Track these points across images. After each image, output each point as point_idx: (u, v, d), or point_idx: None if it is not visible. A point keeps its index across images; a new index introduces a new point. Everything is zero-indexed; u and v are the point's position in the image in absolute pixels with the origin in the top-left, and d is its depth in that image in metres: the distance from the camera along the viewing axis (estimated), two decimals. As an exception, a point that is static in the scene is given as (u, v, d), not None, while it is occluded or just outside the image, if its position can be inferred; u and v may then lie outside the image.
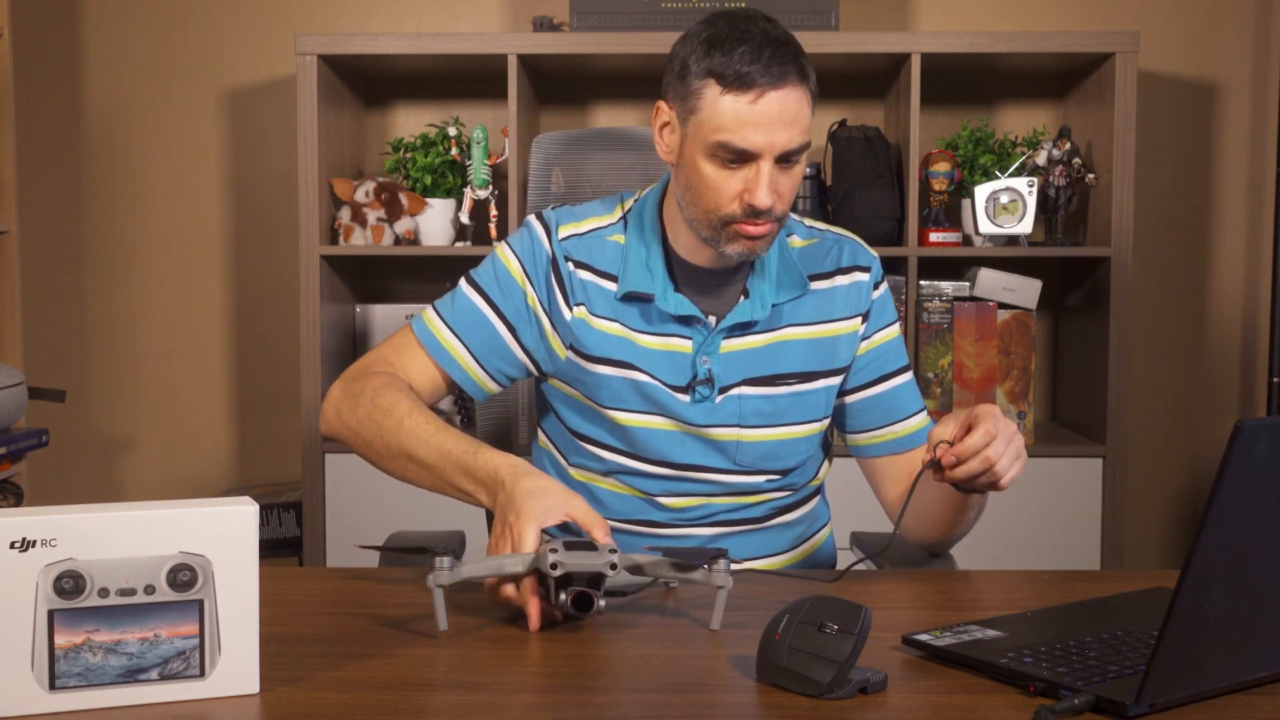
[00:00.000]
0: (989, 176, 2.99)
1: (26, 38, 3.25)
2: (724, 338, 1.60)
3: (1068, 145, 2.98)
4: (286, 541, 3.09)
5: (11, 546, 1.06)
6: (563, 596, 1.29)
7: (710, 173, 1.50)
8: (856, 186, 2.95)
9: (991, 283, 2.96)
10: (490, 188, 3.00)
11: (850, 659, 1.12)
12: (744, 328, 1.61)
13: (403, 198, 3.01)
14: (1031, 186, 2.90)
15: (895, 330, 1.71)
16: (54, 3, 3.28)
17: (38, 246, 3.30)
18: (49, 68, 3.30)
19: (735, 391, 1.62)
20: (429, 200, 3.03)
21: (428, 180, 3.05)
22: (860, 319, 1.66)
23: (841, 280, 1.65)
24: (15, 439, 2.77)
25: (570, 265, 1.62)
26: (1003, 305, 2.95)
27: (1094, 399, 2.98)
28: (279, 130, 3.29)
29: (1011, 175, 2.93)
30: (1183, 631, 1.04)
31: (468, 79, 3.22)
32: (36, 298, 3.31)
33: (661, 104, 1.55)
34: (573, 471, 1.69)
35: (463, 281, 1.67)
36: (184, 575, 1.10)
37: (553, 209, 1.67)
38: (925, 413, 1.73)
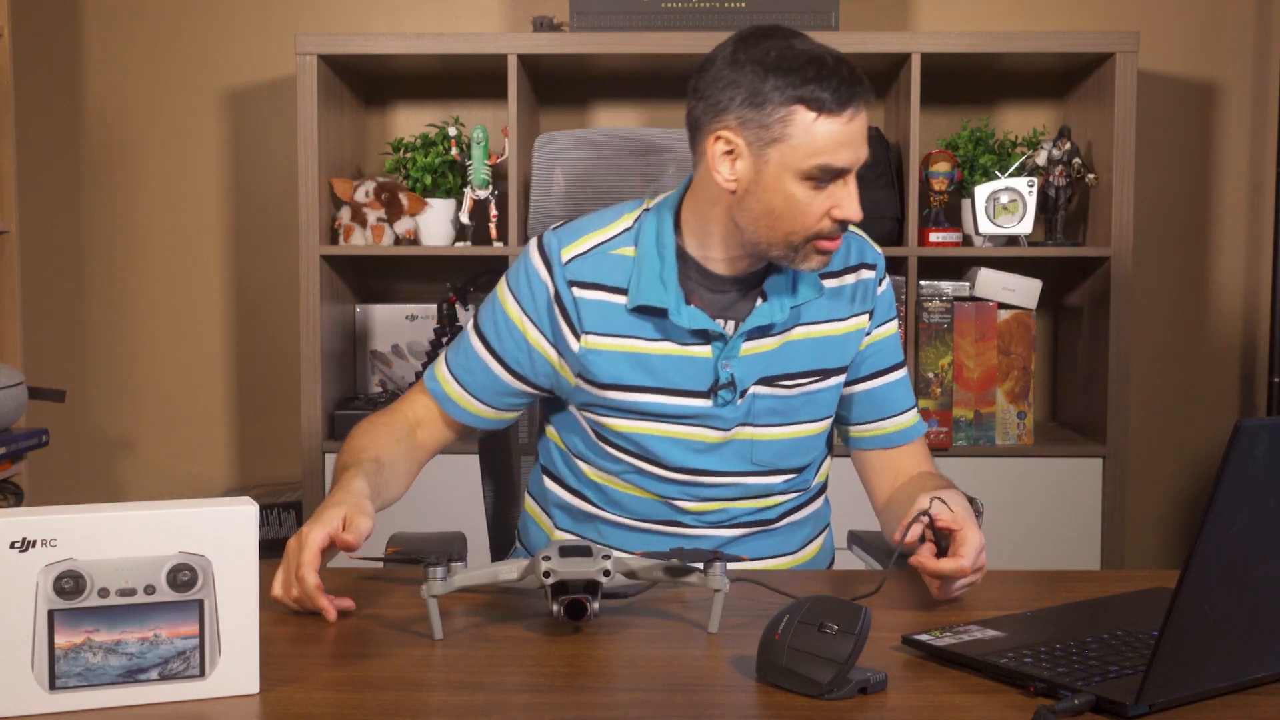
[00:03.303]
0: (989, 176, 2.99)
1: (26, 38, 3.25)
2: (743, 341, 1.61)
3: (1068, 145, 2.98)
4: (286, 541, 3.09)
5: (11, 546, 1.06)
6: (556, 607, 1.29)
7: (801, 195, 1.51)
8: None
9: (991, 283, 2.96)
10: (490, 188, 3.00)
11: (850, 659, 1.12)
12: (761, 331, 1.61)
13: (403, 198, 3.01)
14: (1031, 186, 2.90)
15: (894, 327, 1.72)
16: (54, 3, 3.28)
17: (38, 246, 3.30)
18: (49, 68, 3.30)
19: (752, 391, 1.63)
20: (429, 200, 3.03)
21: (428, 180, 3.05)
22: (866, 315, 1.68)
23: (850, 279, 1.67)
24: (15, 439, 2.77)
25: (576, 290, 1.62)
26: (1003, 305, 2.95)
27: (1094, 399, 2.98)
28: (279, 130, 3.29)
29: (1011, 175, 2.93)
30: (1183, 631, 1.04)
31: (468, 79, 3.22)
32: (36, 298, 3.31)
33: (725, 134, 1.52)
34: (587, 470, 1.70)
35: (469, 326, 1.70)
36: (184, 575, 1.10)
37: (553, 230, 1.66)
38: (916, 410, 1.75)
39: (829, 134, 1.48)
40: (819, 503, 1.78)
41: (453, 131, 3.04)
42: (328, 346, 2.97)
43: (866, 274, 1.68)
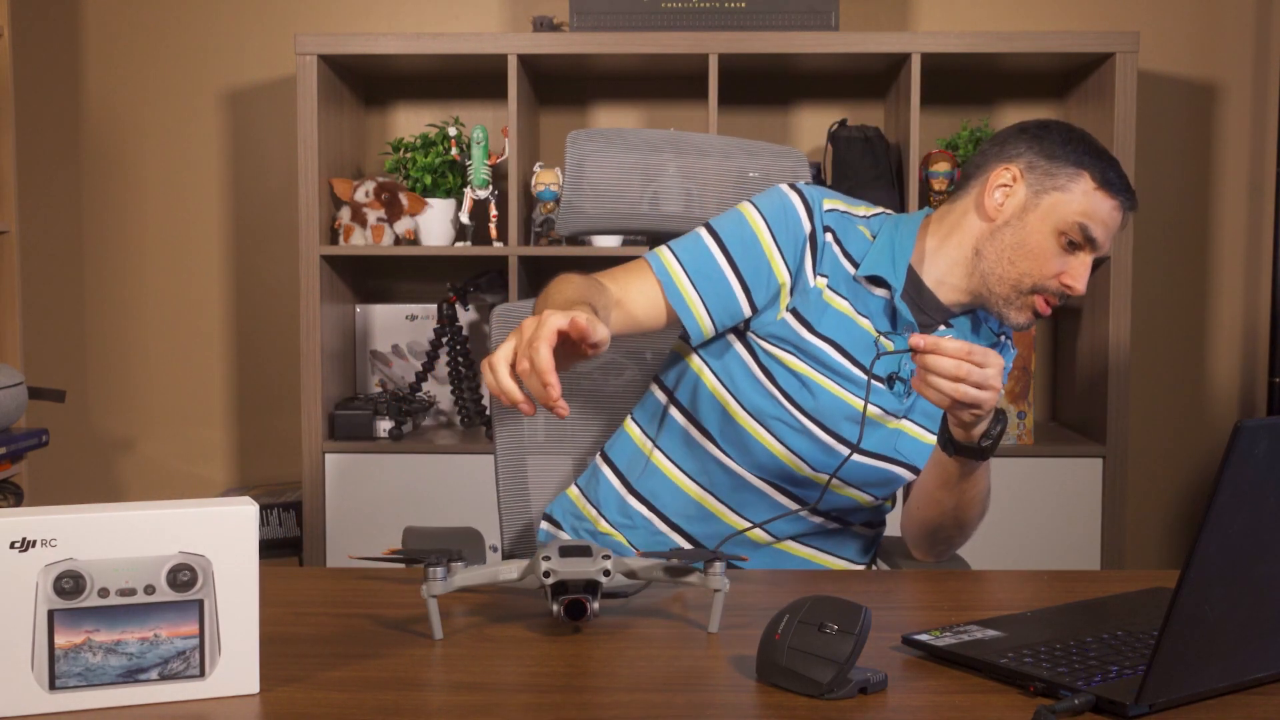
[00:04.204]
0: (989, 176, 2.99)
1: (26, 38, 3.25)
2: None
3: (1068, 145, 2.97)
4: (286, 541, 3.09)
5: (11, 546, 1.06)
6: (556, 607, 1.29)
7: (1050, 247, 1.66)
8: (856, 186, 2.95)
9: (991, 283, 2.96)
10: (490, 188, 3.01)
11: (850, 659, 1.12)
12: None
13: (403, 198, 3.01)
14: (1031, 186, 2.90)
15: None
16: (54, 3, 3.28)
17: (38, 246, 3.30)
18: (49, 68, 3.30)
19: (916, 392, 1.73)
20: (429, 200, 3.03)
21: (428, 180, 3.05)
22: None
23: (1002, 339, 1.83)
24: (15, 439, 2.77)
25: (828, 237, 1.71)
26: (1003, 305, 2.95)
27: (1094, 399, 2.98)
28: (279, 130, 3.29)
29: (1011, 175, 2.93)
30: (1183, 631, 1.04)
31: (468, 79, 3.22)
32: (36, 298, 3.31)
33: (1012, 167, 1.69)
34: (731, 406, 1.71)
35: (703, 230, 1.71)
36: (184, 575, 1.10)
37: (805, 184, 1.75)
38: None
39: (1101, 206, 1.66)
40: (879, 529, 1.85)
41: (453, 131, 3.04)
42: (328, 346, 2.97)
43: (1010, 345, 1.85)
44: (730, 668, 1.21)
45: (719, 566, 1.32)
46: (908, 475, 1.75)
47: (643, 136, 1.96)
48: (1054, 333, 3.27)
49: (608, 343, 1.39)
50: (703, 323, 1.69)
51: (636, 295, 1.68)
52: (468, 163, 3.02)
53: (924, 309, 1.72)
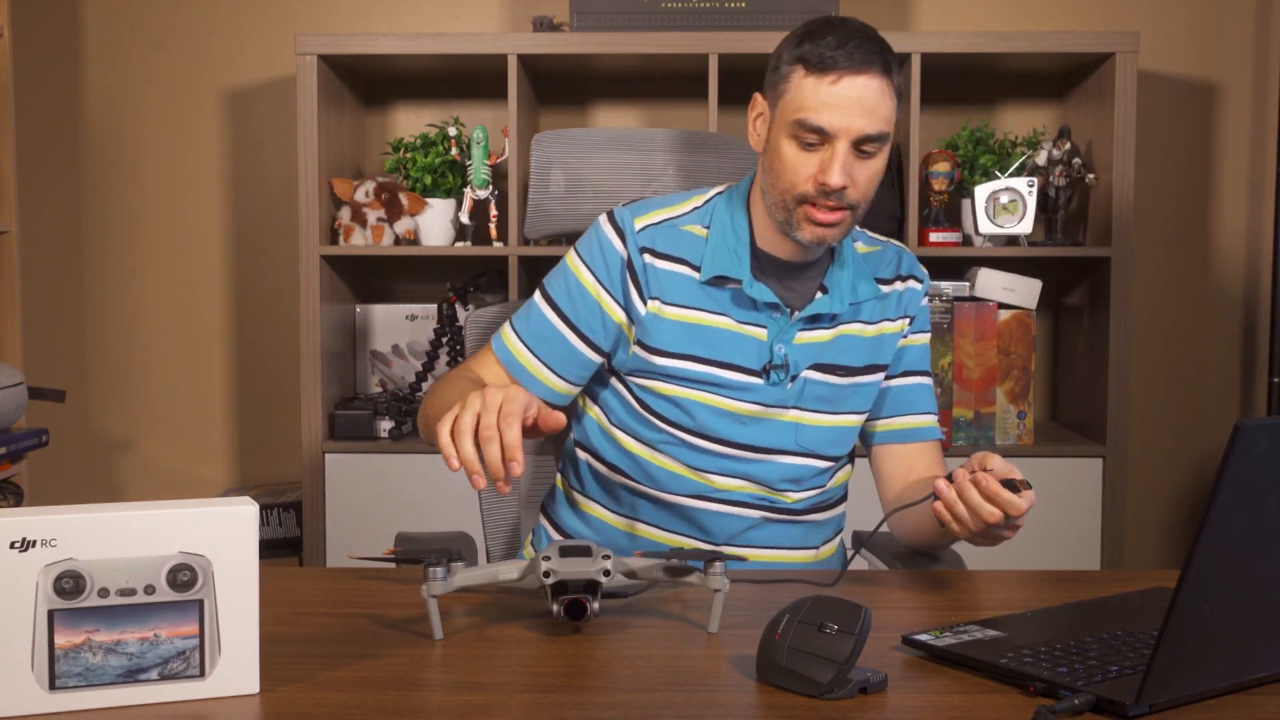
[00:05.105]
0: (989, 176, 2.99)
1: (26, 38, 3.25)
2: (799, 329, 1.68)
3: (1068, 145, 2.98)
4: (286, 541, 3.09)
5: (11, 546, 1.06)
6: (556, 607, 1.29)
7: (789, 153, 1.58)
8: (856, 186, 2.94)
9: (991, 283, 2.96)
10: (490, 188, 3.00)
11: (850, 659, 1.12)
12: (816, 320, 1.69)
13: (403, 198, 3.01)
14: (1031, 186, 2.90)
15: (927, 339, 1.81)
16: (54, 3, 3.28)
17: (38, 246, 3.30)
18: (49, 68, 3.30)
19: (805, 375, 1.69)
20: (429, 200, 3.03)
21: (428, 180, 3.05)
22: (907, 321, 1.77)
23: (899, 286, 1.76)
24: (15, 439, 2.77)
25: (647, 258, 1.68)
26: (1003, 305, 2.95)
27: (1094, 399, 2.98)
28: (279, 130, 3.29)
29: (1011, 175, 2.93)
30: (1183, 631, 1.04)
31: (468, 79, 3.22)
32: (36, 298, 3.31)
33: (758, 96, 1.65)
34: (625, 441, 1.72)
35: (536, 293, 1.73)
36: (184, 575, 1.10)
37: (623, 205, 1.72)
38: (935, 418, 1.81)
39: (813, 92, 1.55)
40: (839, 509, 1.83)
41: (453, 131, 3.04)
42: (328, 346, 2.97)
43: (914, 285, 1.78)
44: (730, 668, 1.21)
45: (719, 566, 1.32)
46: (819, 464, 1.73)
47: (611, 135, 1.97)
48: (1054, 333, 3.27)
49: (563, 425, 1.43)
50: (557, 386, 1.70)
51: (494, 380, 1.70)
52: (468, 163, 3.02)
53: (777, 278, 1.68)
